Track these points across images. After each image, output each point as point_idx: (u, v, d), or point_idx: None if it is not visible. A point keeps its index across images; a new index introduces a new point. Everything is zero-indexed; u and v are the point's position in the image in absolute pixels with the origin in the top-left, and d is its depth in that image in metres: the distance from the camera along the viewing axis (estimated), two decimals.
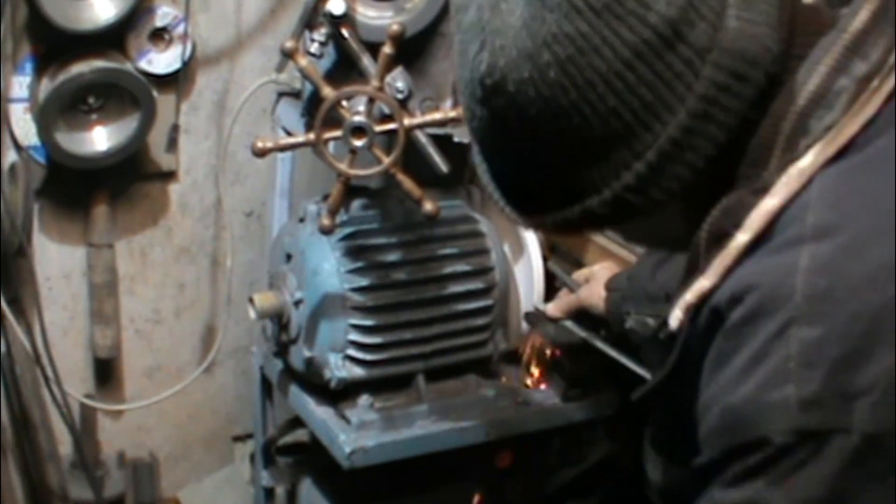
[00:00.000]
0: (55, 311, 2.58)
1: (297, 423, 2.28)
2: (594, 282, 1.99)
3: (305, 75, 1.95)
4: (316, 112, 1.91)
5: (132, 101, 2.39)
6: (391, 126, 1.92)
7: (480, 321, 2.14)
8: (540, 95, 0.97)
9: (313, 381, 2.12)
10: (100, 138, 2.43)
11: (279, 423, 2.38)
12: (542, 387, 2.20)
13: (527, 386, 2.20)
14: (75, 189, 2.51)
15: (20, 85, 2.39)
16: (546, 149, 1.01)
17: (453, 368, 2.16)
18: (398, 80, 1.94)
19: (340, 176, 1.95)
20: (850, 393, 0.88)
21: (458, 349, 2.15)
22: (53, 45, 2.37)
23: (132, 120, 2.41)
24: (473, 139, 1.10)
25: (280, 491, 2.49)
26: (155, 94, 2.41)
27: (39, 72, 2.38)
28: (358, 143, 1.91)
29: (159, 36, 2.43)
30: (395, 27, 1.90)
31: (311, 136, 1.91)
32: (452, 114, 1.90)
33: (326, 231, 1.98)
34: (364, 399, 2.07)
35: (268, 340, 2.24)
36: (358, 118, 1.90)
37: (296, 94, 2.21)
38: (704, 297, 0.99)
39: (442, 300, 2.12)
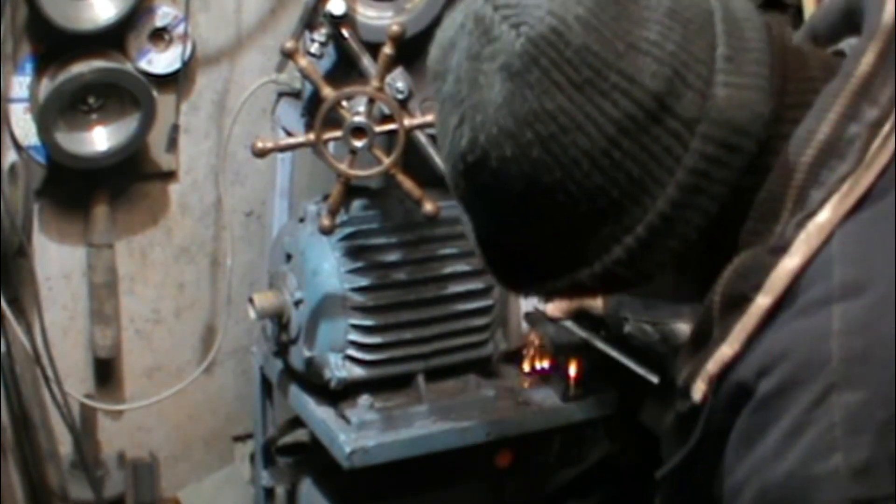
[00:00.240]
0: (55, 311, 2.58)
1: (297, 423, 2.29)
2: None
3: (305, 75, 1.95)
4: (316, 112, 1.91)
5: (132, 101, 2.39)
6: (391, 126, 1.92)
7: (480, 321, 2.14)
8: (523, 173, 0.94)
9: (313, 381, 2.12)
10: (100, 138, 2.43)
11: (279, 423, 2.38)
12: (542, 386, 2.20)
13: (527, 386, 2.20)
14: (75, 189, 2.51)
15: (20, 85, 2.39)
16: (532, 224, 0.98)
17: (453, 368, 2.16)
18: (398, 80, 1.94)
19: (340, 176, 1.95)
20: None
21: (458, 349, 2.15)
22: (53, 45, 2.37)
23: (132, 120, 2.41)
24: (458, 203, 1.05)
25: (280, 491, 2.49)
26: (155, 94, 2.41)
27: (39, 72, 2.38)
28: (358, 143, 1.91)
29: (159, 36, 2.43)
30: (395, 27, 1.90)
31: (311, 136, 1.91)
32: None
33: (326, 231, 1.98)
34: (364, 399, 2.07)
35: (268, 340, 2.24)
36: (358, 118, 1.90)
37: (296, 94, 2.21)
38: (727, 367, 0.94)
39: (442, 300, 2.12)
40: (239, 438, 2.83)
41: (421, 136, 1.97)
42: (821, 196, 0.92)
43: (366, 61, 1.96)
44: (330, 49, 2.00)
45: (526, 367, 2.21)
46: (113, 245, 2.59)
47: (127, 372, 2.71)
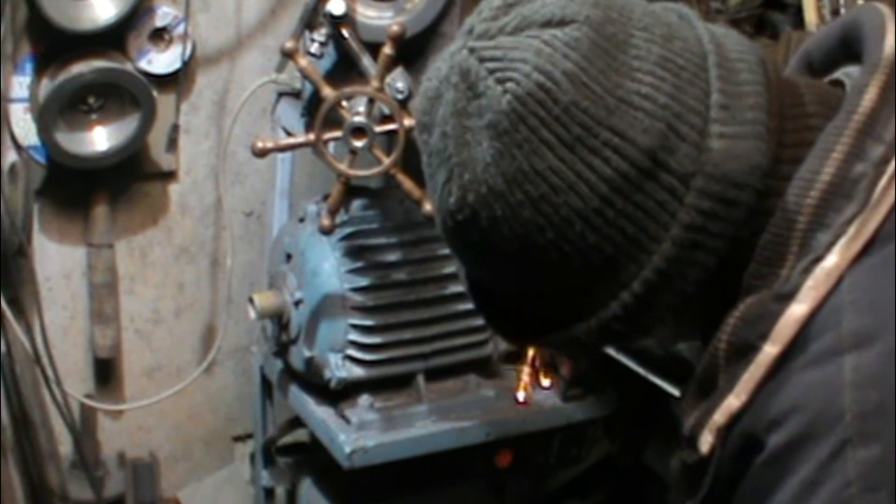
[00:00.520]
0: (55, 311, 2.58)
1: (297, 423, 2.29)
2: None
3: (305, 75, 1.95)
4: (316, 112, 1.91)
5: (132, 101, 2.39)
6: (391, 126, 1.92)
7: (480, 321, 2.13)
8: (514, 233, 0.91)
9: (313, 381, 2.12)
10: (100, 138, 2.43)
11: (279, 423, 2.38)
12: (542, 387, 2.20)
13: (527, 386, 2.20)
14: (75, 189, 2.51)
15: (20, 85, 2.38)
16: (525, 281, 0.96)
17: (453, 368, 2.16)
18: (398, 80, 1.94)
19: (340, 176, 1.95)
20: None
21: (458, 349, 2.15)
22: (53, 45, 2.37)
23: (132, 120, 2.41)
24: (450, 250, 1.03)
25: (280, 491, 2.50)
26: (155, 94, 2.41)
27: (39, 72, 2.38)
28: (358, 143, 1.91)
29: (159, 36, 2.43)
30: (395, 27, 1.90)
31: (311, 136, 1.92)
32: None
33: (326, 231, 1.98)
34: (364, 399, 2.07)
35: (268, 340, 2.24)
36: (358, 118, 1.90)
37: (296, 94, 2.21)
38: (735, 418, 0.91)
39: (442, 300, 2.12)
40: (239, 438, 2.83)
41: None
42: (827, 239, 0.89)
43: (366, 61, 1.96)
44: (330, 49, 2.00)
45: (526, 367, 2.21)
46: (113, 245, 2.58)
47: (127, 372, 2.71)
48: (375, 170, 1.94)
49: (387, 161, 1.92)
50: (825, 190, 0.90)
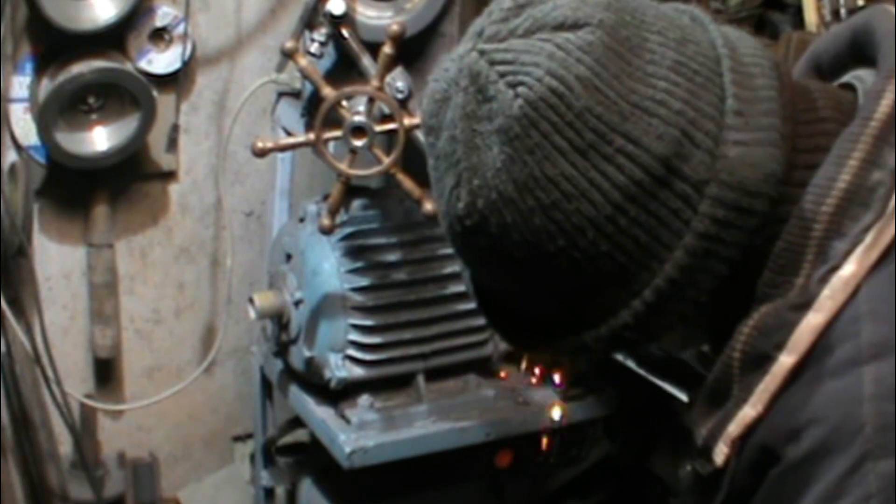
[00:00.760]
0: (55, 311, 2.58)
1: (297, 423, 2.29)
2: None
3: (305, 75, 1.95)
4: (316, 112, 1.91)
5: (132, 101, 2.39)
6: (391, 126, 1.92)
7: (480, 321, 2.14)
8: (525, 240, 0.89)
9: (313, 381, 2.12)
10: (100, 138, 2.43)
11: (279, 423, 2.38)
12: (542, 386, 2.20)
13: (526, 386, 2.20)
14: (75, 189, 2.51)
15: (20, 85, 2.38)
16: (534, 287, 0.94)
17: (453, 368, 2.16)
18: (398, 80, 1.94)
19: (340, 176, 1.95)
20: None
21: (458, 349, 2.15)
22: (53, 45, 2.37)
23: (132, 120, 2.41)
24: (455, 254, 1.01)
25: (280, 491, 2.50)
26: (155, 94, 2.41)
27: (39, 72, 2.38)
28: (358, 143, 1.91)
29: (159, 36, 2.43)
30: (395, 27, 1.90)
31: (311, 136, 1.91)
32: None
33: (326, 231, 1.98)
34: (364, 399, 2.07)
35: (268, 340, 2.24)
36: (358, 118, 1.90)
37: (296, 94, 2.21)
38: (750, 429, 0.90)
39: (442, 300, 2.12)
40: (239, 438, 2.83)
41: (421, 137, 1.97)
42: (844, 247, 0.88)
43: (366, 61, 1.96)
44: (330, 49, 2.00)
45: (526, 367, 2.21)
46: (113, 245, 2.58)
47: (127, 372, 2.71)
48: (375, 169, 1.94)
49: (387, 161, 1.92)
50: (842, 197, 0.89)
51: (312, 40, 1.97)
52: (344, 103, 1.91)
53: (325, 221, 1.97)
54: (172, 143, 2.55)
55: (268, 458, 2.41)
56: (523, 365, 2.22)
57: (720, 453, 0.93)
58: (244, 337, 2.70)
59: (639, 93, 0.87)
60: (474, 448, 2.10)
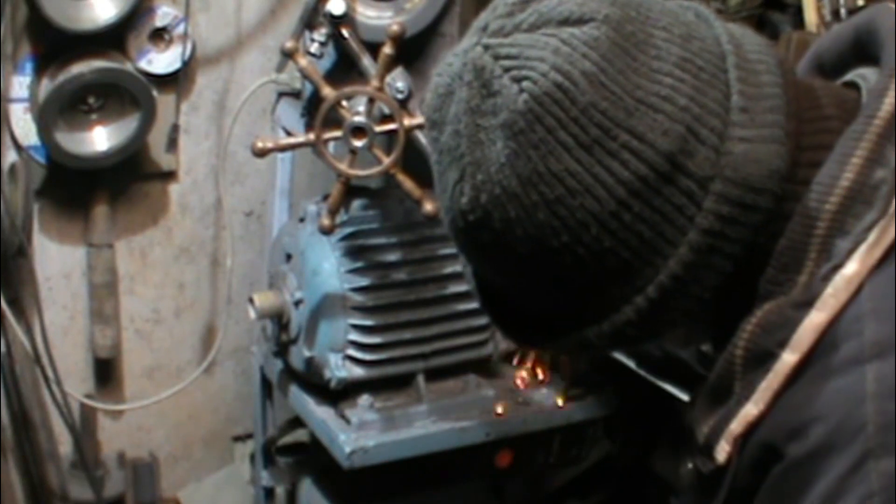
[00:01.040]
0: (55, 311, 2.58)
1: (297, 423, 2.29)
2: None
3: (305, 75, 1.95)
4: (316, 112, 1.91)
5: (132, 101, 2.39)
6: (391, 126, 1.92)
7: (480, 321, 2.14)
8: (528, 235, 0.89)
9: (313, 381, 2.12)
10: (100, 138, 2.43)
11: (279, 423, 2.38)
12: (542, 386, 2.20)
13: (527, 386, 2.20)
14: (75, 189, 2.51)
15: (20, 85, 2.38)
16: (537, 283, 0.94)
17: (453, 368, 2.16)
18: (398, 80, 1.94)
19: (340, 176, 1.95)
20: None
21: (458, 349, 2.15)
22: (53, 45, 2.37)
23: (132, 120, 2.41)
24: (458, 250, 1.00)
25: (280, 491, 2.50)
26: (155, 94, 2.41)
27: (39, 72, 2.38)
28: (358, 143, 1.91)
29: (159, 36, 2.43)
30: (395, 27, 1.90)
31: (311, 136, 1.92)
32: None
33: (326, 231, 1.98)
34: (364, 399, 2.07)
35: (268, 340, 2.24)
36: (358, 118, 1.90)
37: (296, 94, 2.21)
38: (752, 427, 0.90)
39: (442, 300, 2.12)
40: (239, 438, 2.83)
41: (421, 136, 1.97)
42: (847, 246, 0.88)
43: (366, 61, 1.96)
44: (330, 49, 2.00)
45: (526, 367, 2.21)
46: (113, 245, 2.58)
47: (127, 372, 2.71)
48: (375, 169, 1.94)
49: (387, 161, 1.92)
50: (845, 196, 0.89)
51: (312, 40, 1.97)
52: (344, 103, 1.91)
53: (325, 221, 1.97)
54: (172, 143, 2.55)
55: (268, 458, 2.41)
56: (524, 366, 2.22)
57: (722, 451, 0.92)
58: (244, 337, 2.70)
59: (644, 88, 0.87)
60: (474, 448, 2.10)
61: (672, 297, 0.90)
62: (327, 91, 1.90)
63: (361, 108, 1.92)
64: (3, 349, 2.44)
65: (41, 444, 2.54)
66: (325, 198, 2.07)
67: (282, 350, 2.18)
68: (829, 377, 0.86)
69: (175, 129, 2.52)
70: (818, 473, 0.85)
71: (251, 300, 2.09)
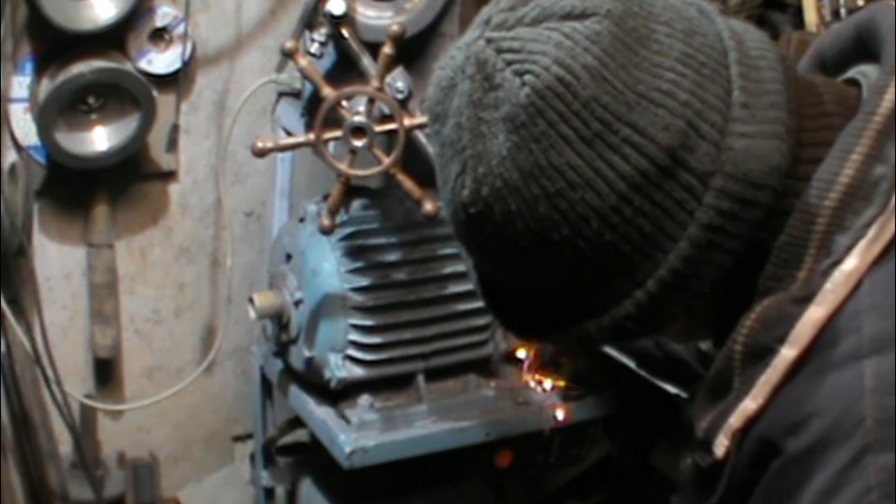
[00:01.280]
0: (55, 311, 2.58)
1: (297, 423, 2.29)
2: None
3: (305, 75, 1.95)
4: (316, 112, 1.91)
5: (132, 101, 2.39)
6: (391, 126, 1.92)
7: (480, 321, 2.14)
8: (529, 229, 0.90)
9: (313, 381, 2.12)
10: (100, 138, 2.43)
11: (279, 423, 2.38)
12: (542, 387, 2.20)
13: (527, 386, 2.20)
14: (75, 189, 2.51)
15: (20, 85, 2.38)
16: (537, 276, 0.94)
17: (453, 368, 2.16)
18: (398, 80, 1.94)
19: (340, 176, 1.95)
20: None
21: (458, 349, 2.15)
22: (53, 45, 2.37)
23: (132, 120, 2.41)
24: (460, 246, 1.01)
25: (280, 491, 2.49)
26: (155, 94, 2.41)
27: (39, 72, 2.38)
28: (358, 143, 1.91)
29: (159, 36, 2.43)
30: (395, 27, 1.90)
31: (311, 136, 1.91)
32: None
33: (326, 231, 1.98)
34: (364, 399, 2.07)
35: (268, 340, 2.24)
36: (358, 118, 1.90)
37: (296, 94, 2.21)
38: (751, 421, 0.91)
39: (442, 300, 2.12)
40: (239, 438, 2.83)
41: (421, 136, 1.97)
42: (847, 242, 0.88)
43: (366, 61, 1.96)
44: (330, 49, 2.00)
45: (526, 367, 2.21)
46: (113, 245, 2.58)
47: (127, 372, 2.71)
48: (375, 170, 1.94)
49: (387, 161, 1.92)
50: (844, 192, 0.89)
51: (312, 40, 1.97)
52: (344, 103, 1.91)
53: (325, 221, 1.97)
54: (172, 143, 2.55)
55: (268, 458, 2.41)
56: (524, 366, 2.22)
57: (721, 445, 0.93)
58: (244, 337, 2.70)
59: (645, 83, 0.88)
60: (474, 448, 2.10)
61: (672, 291, 0.91)
62: (327, 91, 1.90)
63: (361, 108, 1.92)
64: (3, 349, 2.44)
65: (41, 444, 2.54)
66: (325, 198, 2.07)
67: (282, 350, 2.18)
68: (828, 372, 0.87)
69: (175, 129, 2.52)
70: (816, 468, 0.85)
71: (251, 300, 2.09)
